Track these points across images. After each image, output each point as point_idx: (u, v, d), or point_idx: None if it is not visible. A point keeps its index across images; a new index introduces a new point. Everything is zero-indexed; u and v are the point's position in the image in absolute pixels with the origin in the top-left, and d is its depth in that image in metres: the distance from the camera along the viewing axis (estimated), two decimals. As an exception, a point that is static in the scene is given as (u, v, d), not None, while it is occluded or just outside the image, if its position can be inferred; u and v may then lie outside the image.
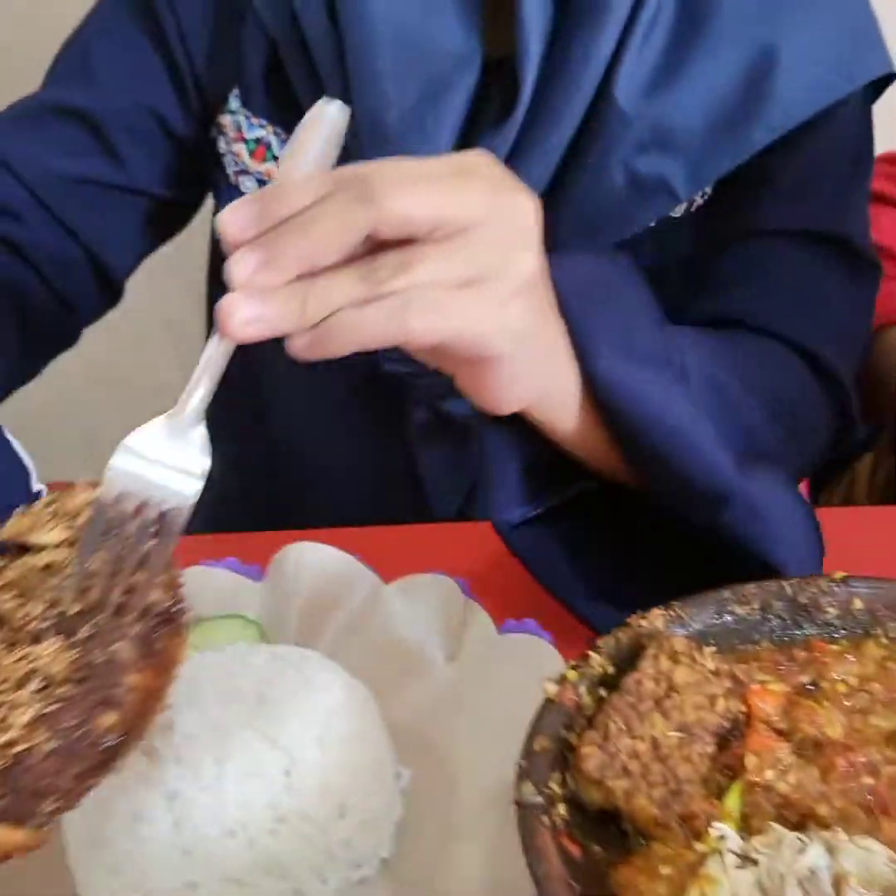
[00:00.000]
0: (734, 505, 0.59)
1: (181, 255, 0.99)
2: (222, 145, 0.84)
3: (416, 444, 0.83)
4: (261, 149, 0.81)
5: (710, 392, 0.65)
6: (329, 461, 0.89)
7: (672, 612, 0.55)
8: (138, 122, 0.83)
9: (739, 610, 0.56)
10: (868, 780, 0.46)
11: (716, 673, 0.51)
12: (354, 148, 0.76)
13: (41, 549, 0.46)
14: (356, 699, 0.54)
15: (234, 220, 0.45)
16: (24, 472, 0.69)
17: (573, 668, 0.50)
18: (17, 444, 0.70)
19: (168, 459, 0.45)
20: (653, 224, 0.77)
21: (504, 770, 0.52)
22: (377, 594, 0.66)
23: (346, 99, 0.75)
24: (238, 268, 0.44)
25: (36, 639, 0.43)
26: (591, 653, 0.51)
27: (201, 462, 0.46)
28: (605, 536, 0.65)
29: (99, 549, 0.44)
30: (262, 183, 0.82)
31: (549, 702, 0.49)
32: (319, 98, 0.77)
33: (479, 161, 0.50)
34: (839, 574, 0.56)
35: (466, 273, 0.47)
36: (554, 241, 0.77)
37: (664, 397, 0.59)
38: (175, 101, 0.83)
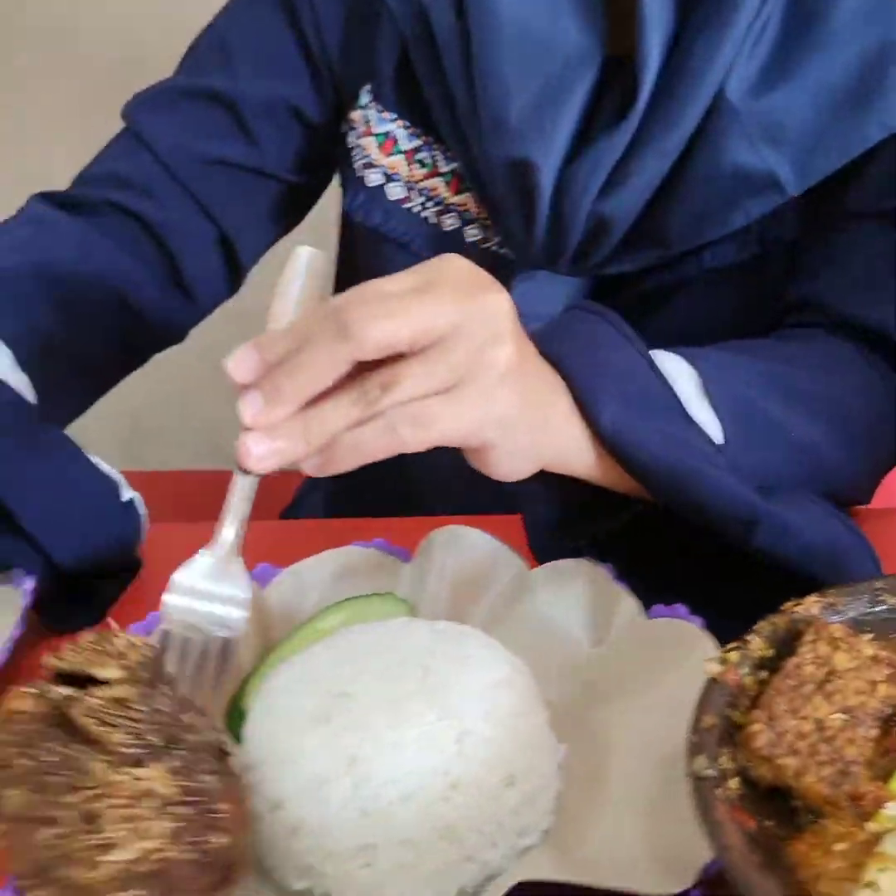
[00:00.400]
0: (763, 528, 0.60)
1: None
2: (351, 139, 0.87)
3: None
4: (389, 143, 0.85)
5: (737, 419, 0.65)
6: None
7: (826, 600, 0.56)
8: (275, 110, 0.86)
9: (893, 600, 0.57)
10: None
11: (875, 659, 0.52)
12: (477, 146, 0.79)
13: (104, 682, 0.50)
14: (518, 674, 0.56)
15: (237, 366, 0.51)
16: (113, 485, 0.73)
17: (734, 649, 0.52)
18: (98, 461, 0.73)
19: (215, 592, 0.51)
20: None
21: (657, 747, 0.54)
22: (523, 578, 0.67)
23: (470, 97, 0.78)
24: (245, 408, 0.51)
25: (137, 762, 0.46)
26: (750, 635, 0.53)
27: (244, 591, 0.52)
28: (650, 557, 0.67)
29: (165, 685, 0.49)
30: (388, 177, 0.85)
31: (712, 681, 0.50)
32: (445, 94, 0.80)
33: (444, 267, 0.54)
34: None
35: (447, 380, 0.51)
36: (662, 238, 0.79)
37: (674, 441, 0.61)
38: (311, 92, 0.86)
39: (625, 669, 0.60)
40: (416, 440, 0.52)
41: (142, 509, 0.74)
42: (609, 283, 0.84)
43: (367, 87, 0.85)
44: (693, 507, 0.61)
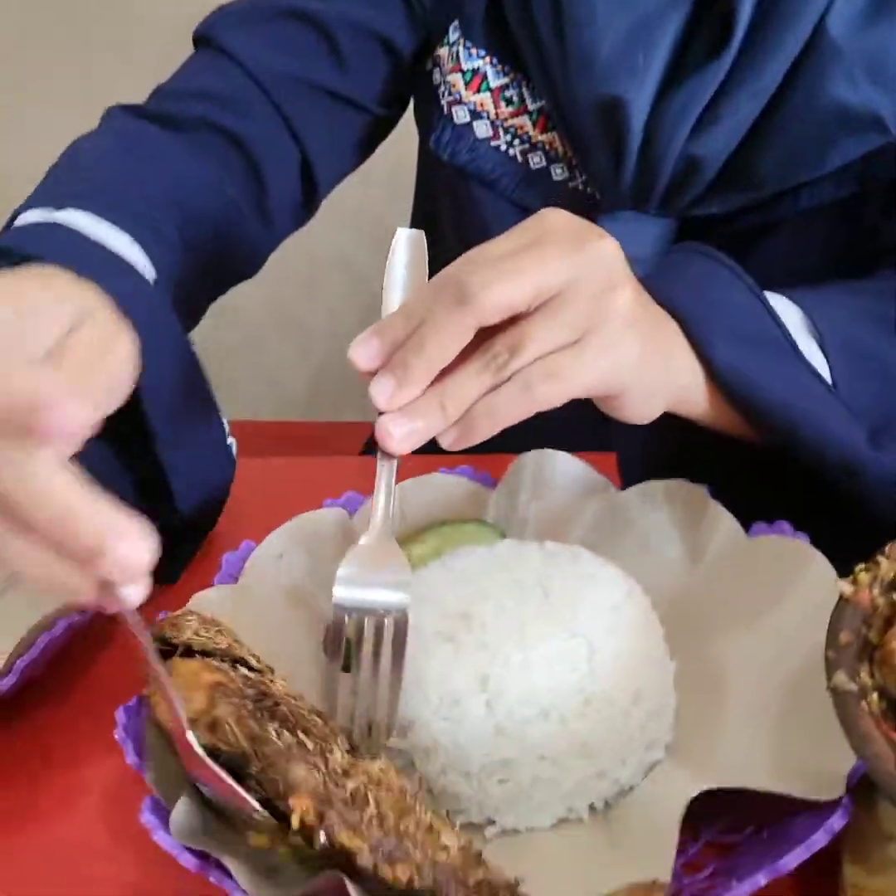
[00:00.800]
0: (868, 475, 0.60)
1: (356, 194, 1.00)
2: (437, 76, 0.86)
3: None
4: (477, 79, 0.83)
5: (845, 357, 0.64)
6: None
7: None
8: (367, 38, 0.84)
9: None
10: None
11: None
12: (565, 83, 0.78)
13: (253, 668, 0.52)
14: (633, 591, 0.56)
15: (361, 354, 0.51)
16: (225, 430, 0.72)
17: (864, 570, 0.52)
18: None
19: (378, 579, 0.52)
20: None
21: (774, 665, 0.54)
22: (615, 500, 0.67)
23: (558, 33, 0.76)
24: (378, 394, 0.50)
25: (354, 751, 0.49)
26: (878, 556, 0.53)
27: (405, 574, 0.52)
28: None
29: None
30: (475, 114, 0.84)
31: (844, 600, 0.51)
32: (532, 30, 0.79)
33: (547, 222, 0.53)
34: None
35: (572, 332, 0.51)
36: (755, 179, 0.78)
37: (787, 381, 0.61)
38: (404, 23, 0.84)
39: (729, 587, 0.60)
40: (551, 396, 0.51)
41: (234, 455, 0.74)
42: (697, 225, 0.82)
43: (456, 22, 0.83)
44: (801, 449, 0.61)
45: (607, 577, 0.56)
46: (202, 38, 0.85)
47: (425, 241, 0.61)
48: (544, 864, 0.49)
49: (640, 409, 0.57)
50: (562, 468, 0.69)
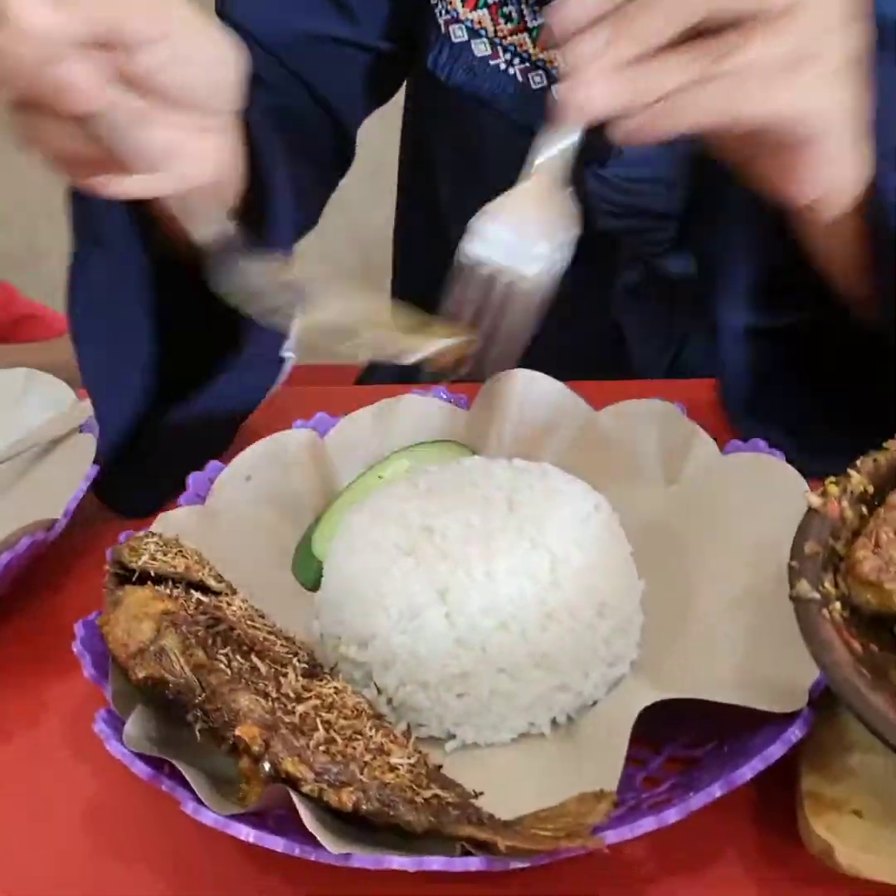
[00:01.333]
0: None
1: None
2: None
3: (625, 305, 0.83)
4: None
5: None
6: None
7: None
8: None
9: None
10: None
11: None
12: None
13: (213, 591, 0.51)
14: (601, 506, 0.55)
15: (573, 7, 0.48)
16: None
17: (834, 483, 0.51)
18: None
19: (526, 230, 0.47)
20: None
21: (744, 580, 0.53)
22: (590, 419, 0.66)
23: None
24: (584, 46, 0.47)
25: (312, 674, 0.49)
26: (850, 471, 0.52)
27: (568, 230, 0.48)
28: (816, 375, 0.65)
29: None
30: (472, 32, 0.82)
31: (813, 511, 0.49)
32: None
33: None
34: None
35: (794, 53, 0.48)
36: None
37: None
38: None
39: (703, 506, 0.59)
40: (752, 109, 0.49)
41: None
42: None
43: None
44: None
45: (574, 493, 0.55)
46: (218, 15, 0.83)
47: None
48: (504, 778, 0.48)
49: (810, 173, 0.54)
50: (537, 388, 0.68)
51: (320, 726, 0.45)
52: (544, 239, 0.47)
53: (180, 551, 0.53)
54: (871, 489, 0.51)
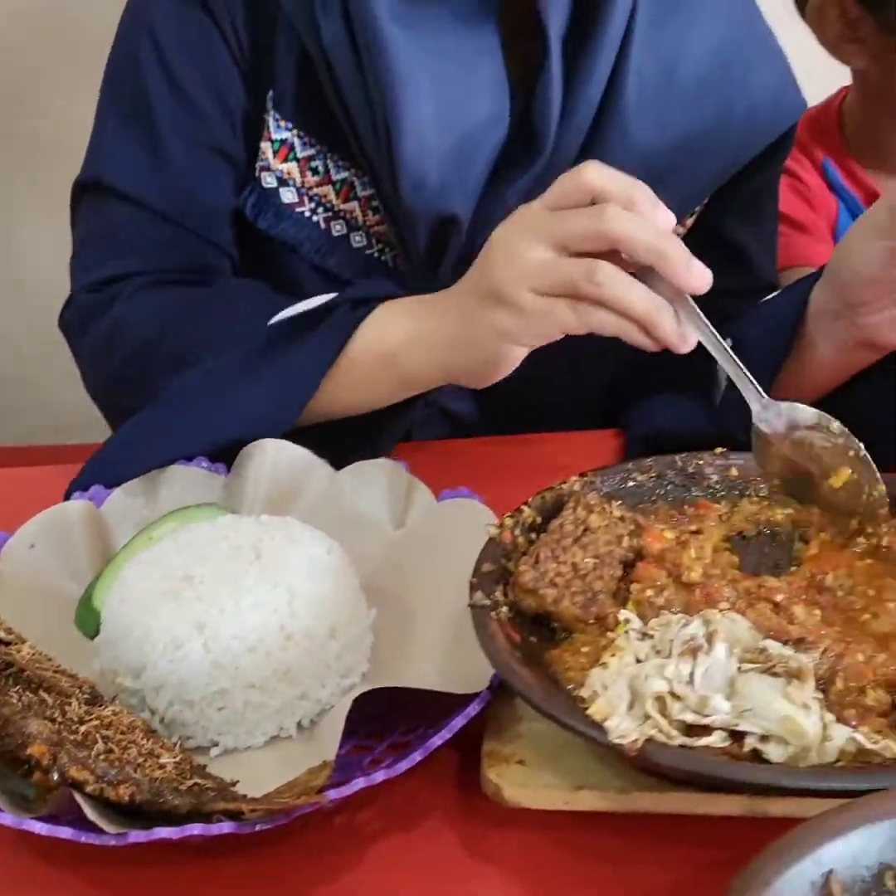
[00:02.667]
0: None
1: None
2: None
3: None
4: (284, 149, 0.89)
5: None
6: None
7: (586, 478, 0.70)
8: (215, 156, 0.89)
9: (640, 477, 0.71)
10: (723, 605, 0.61)
11: (622, 519, 0.66)
12: (395, 198, 0.85)
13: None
14: (332, 550, 0.67)
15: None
16: None
17: (509, 517, 0.65)
18: None
19: None
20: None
21: (453, 603, 0.67)
22: (332, 479, 0.79)
23: (380, 139, 0.83)
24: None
25: (94, 701, 0.59)
26: (522, 507, 0.66)
27: None
28: None
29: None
30: (281, 181, 0.90)
31: (491, 540, 0.63)
32: (348, 113, 0.84)
33: None
34: (719, 450, 0.72)
35: None
36: None
37: None
38: (241, 86, 0.88)
39: (423, 545, 0.73)
40: None
41: None
42: None
43: (270, 92, 0.87)
44: None
45: (311, 539, 0.67)
46: (84, 188, 0.91)
47: None
48: (258, 773, 0.59)
49: None
50: (285, 456, 0.80)
51: (100, 740, 0.55)
52: None
53: None
54: (538, 520, 0.66)
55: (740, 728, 0.49)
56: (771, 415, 0.69)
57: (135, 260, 0.89)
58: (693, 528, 0.67)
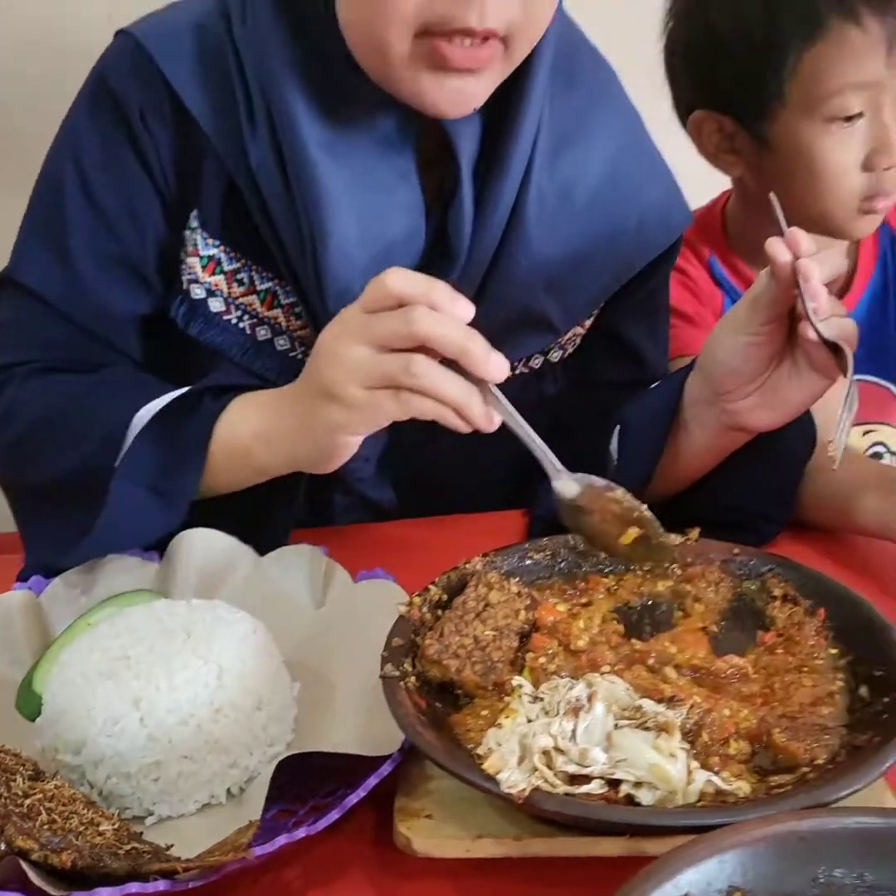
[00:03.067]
0: None
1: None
2: (181, 255, 0.97)
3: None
4: (212, 264, 0.96)
5: None
6: None
7: (487, 558, 0.77)
8: (131, 273, 0.97)
9: (536, 556, 0.79)
10: (604, 669, 0.68)
11: (519, 594, 0.73)
12: (321, 305, 0.92)
13: None
14: (257, 629, 0.74)
15: (803, 243, 0.78)
16: None
17: (418, 596, 0.72)
18: None
19: None
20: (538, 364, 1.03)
21: (368, 675, 0.73)
22: (258, 564, 0.86)
23: (304, 252, 0.91)
24: (812, 270, 0.78)
25: (36, 777, 0.64)
26: (430, 586, 0.73)
27: None
28: None
29: None
30: (209, 292, 0.97)
31: (401, 618, 0.70)
32: (275, 230, 0.92)
33: None
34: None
35: None
36: None
37: None
38: (160, 210, 0.95)
39: (341, 622, 0.80)
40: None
41: None
42: None
43: (195, 211, 0.94)
44: None
45: (237, 619, 0.73)
46: (9, 280, 0.97)
47: None
48: (191, 838, 0.65)
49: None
50: (215, 544, 0.86)
51: (44, 812, 0.60)
52: None
53: None
54: (444, 597, 0.73)
55: (616, 776, 0.56)
56: (566, 483, 0.77)
57: (33, 351, 0.96)
58: (584, 600, 0.75)
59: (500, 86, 0.88)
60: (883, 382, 1.31)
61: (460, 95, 0.85)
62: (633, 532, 0.75)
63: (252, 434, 0.84)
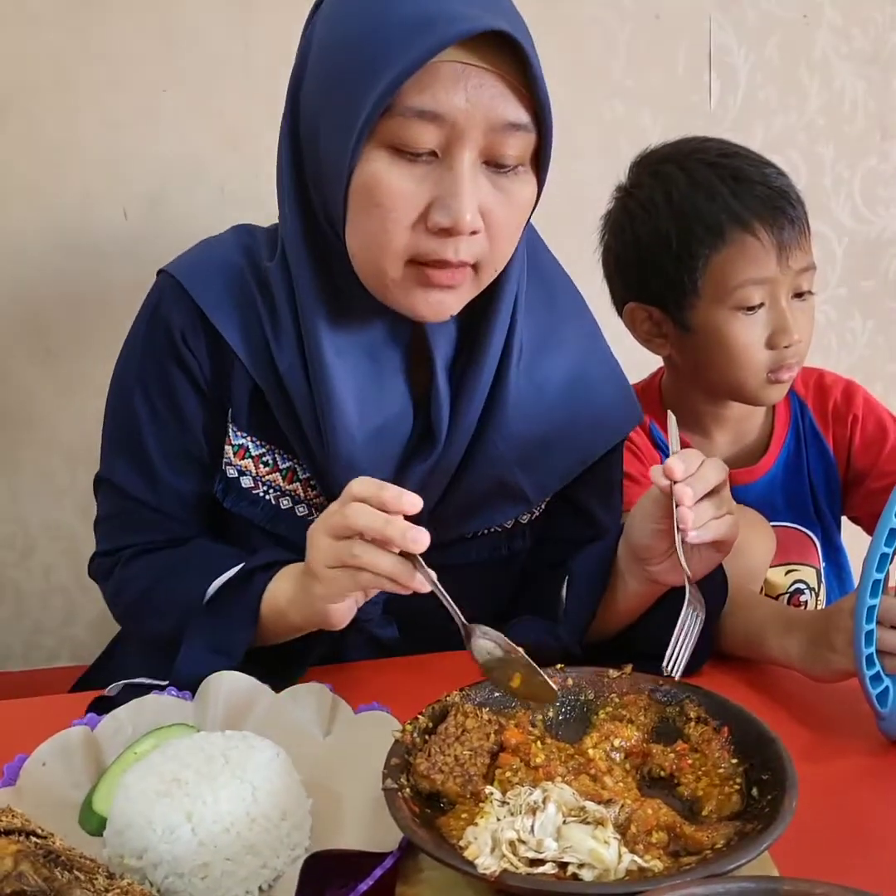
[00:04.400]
0: None
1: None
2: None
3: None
4: (242, 451, 1.18)
5: None
6: None
7: (464, 692, 0.95)
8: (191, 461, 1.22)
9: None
10: (557, 779, 0.86)
11: (489, 721, 0.92)
12: (331, 477, 1.14)
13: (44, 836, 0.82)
14: (280, 754, 0.91)
15: (677, 468, 0.98)
16: None
17: (409, 724, 0.90)
18: None
19: None
20: (510, 524, 1.22)
21: (370, 789, 0.90)
22: (274, 699, 1.03)
23: (319, 438, 1.13)
24: (684, 494, 0.98)
25: (111, 876, 0.80)
26: (419, 715, 0.91)
27: None
28: None
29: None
30: (240, 472, 1.19)
31: (396, 741, 0.88)
32: (297, 430, 1.17)
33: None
34: (560, 666, 0.98)
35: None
36: (446, 525, 1.21)
37: None
38: (204, 411, 1.19)
39: (346, 748, 0.97)
40: (730, 537, 1.02)
41: None
42: None
43: (229, 411, 1.17)
44: None
45: (264, 746, 0.91)
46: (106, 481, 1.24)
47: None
48: (229, 926, 0.82)
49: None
50: (240, 684, 1.04)
51: None
52: None
53: (13, 814, 0.84)
54: (430, 724, 0.91)
55: (564, 860, 0.74)
56: (474, 636, 0.95)
57: (131, 536, 1.22)
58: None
59: (475, 303, 1.11)
60: (801, 527, 1.52)
61: (440, 306, 1.06)
62: (518, 677, 0.94)
63: (287, 600, 1.05)
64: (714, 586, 1.07)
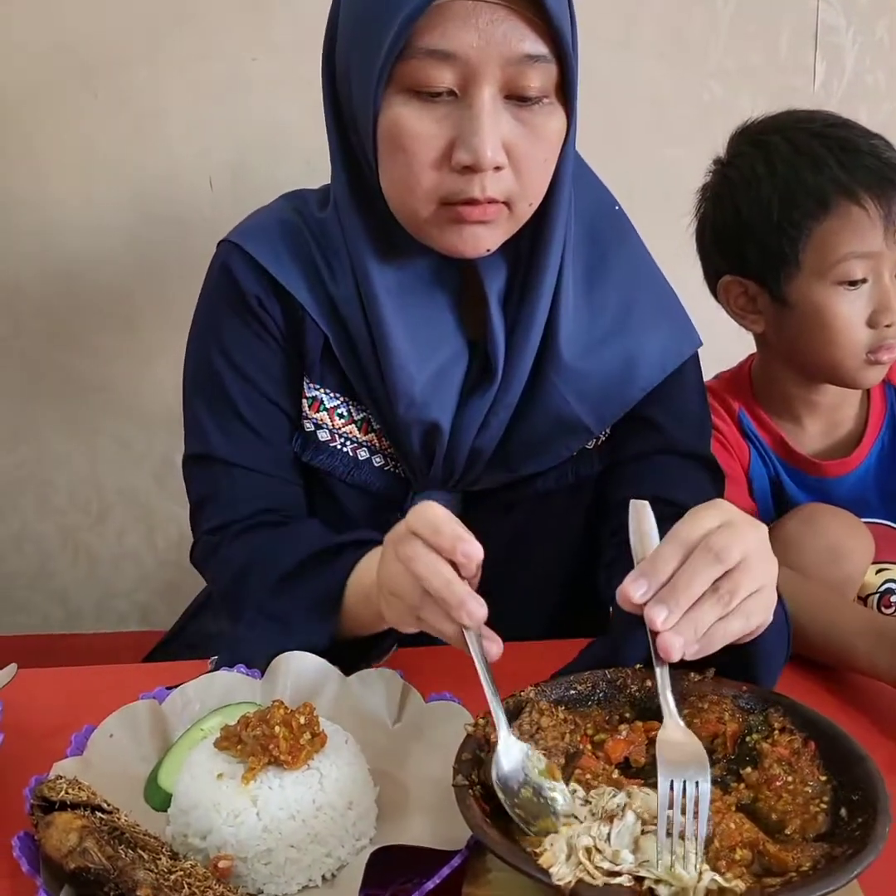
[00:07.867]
0: None
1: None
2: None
3: None
4: (316, 403, 1.21)
5: None
6: None
7: (539, 687, 0.92)
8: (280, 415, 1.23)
9: (579, 687, 0.94)
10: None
11: (565, 720, 0.88)
12: (390, 410, 1.16)
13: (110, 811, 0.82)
14: (348, 740, 0.89)
15: (636, 591, 0.79)
16: None
17: (482, 717, 0.87)
18: None
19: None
20: (575, 453, 1.21)
21: (439, 782, 0.88)
22: (343, 683, 1.01)
23: (381, 377, 1.15)
24: (656, 617, 0.77)
25: (175, 856, 0.80)
26: (479, 716, 0.88)
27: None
28: None
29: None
30: (317, 426, 1.21)
31: (468, 736, 0.86)
32: (362, 375, 1.20)
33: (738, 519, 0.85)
34: (638, 666, 0.94)
35: (757, 584, 0.81)
36: (511, 462, 1.22)
37: None
38: (285, 365, 1.21)
39: (415, 737, 0.95)
40: (757, 623, 0.82)
41: None
42: (475, 497, 1.23)
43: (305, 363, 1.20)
44: None
45: (333, 731, 0.89)
46: (196, 459, 1.24)
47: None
48: (292, 913, 0.80)
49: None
50: (307, 664, 1.02)
51: (186, 886, 0.76)
52: None
53: (80, 787, 0.83)
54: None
55: (640, 874, 0.71)
56: (505, 744, 0.83)
57: (232, 510, 1.21)
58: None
59: (526, 236, 1.10)
60: (894, 525, 1.46)
61: (476, 239, 1.06)
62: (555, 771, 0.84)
63: (372, 582, 1.00)
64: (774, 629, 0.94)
